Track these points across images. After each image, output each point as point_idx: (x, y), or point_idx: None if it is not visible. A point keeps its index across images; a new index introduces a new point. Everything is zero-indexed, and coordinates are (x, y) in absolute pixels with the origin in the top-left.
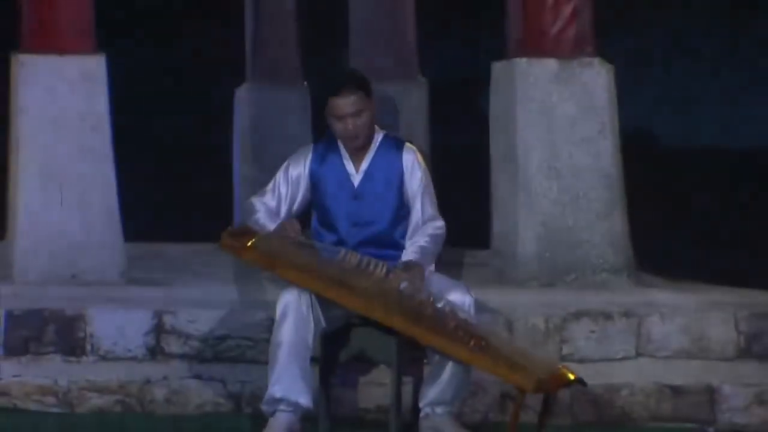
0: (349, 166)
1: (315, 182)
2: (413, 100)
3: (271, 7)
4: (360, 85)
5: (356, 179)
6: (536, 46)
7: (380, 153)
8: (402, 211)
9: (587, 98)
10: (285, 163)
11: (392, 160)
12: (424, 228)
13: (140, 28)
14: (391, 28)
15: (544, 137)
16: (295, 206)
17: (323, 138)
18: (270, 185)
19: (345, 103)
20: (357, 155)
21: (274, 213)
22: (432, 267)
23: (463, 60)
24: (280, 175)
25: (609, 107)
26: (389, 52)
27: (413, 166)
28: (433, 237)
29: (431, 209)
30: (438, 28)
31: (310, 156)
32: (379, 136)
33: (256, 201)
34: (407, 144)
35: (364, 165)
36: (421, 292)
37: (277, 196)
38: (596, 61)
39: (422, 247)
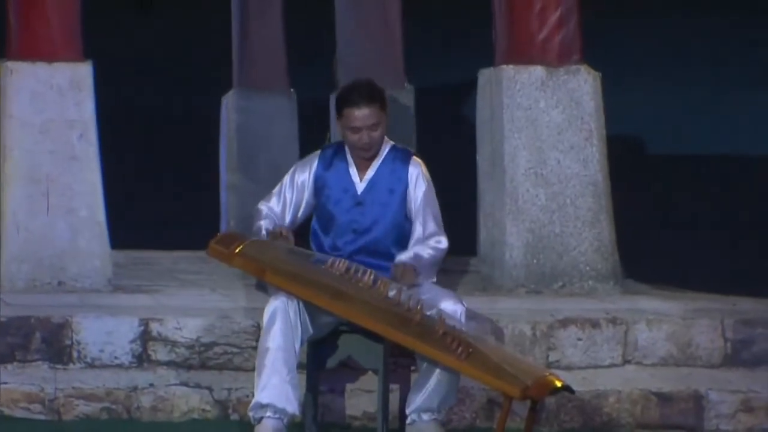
0: (354, 174)
1: (319, 187)
2: (400, 107)
3: (257, 14)
4: (378, 97)
5: (360, 187)
6: (523, 53)
7: (386, 163)
8: (403, 223)
9: (574, 105)
10: (292, 168)
11: (398, 171)
12: (425, 242)
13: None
14: (377, 36)
15: (530, 144)
16: (300, 212)
17: (331, 144)
18: (276, 189)
19: (363, 116)
20: (363, 163)
21: (279, 218)
22: (434, 279)
23: (450, 67)
24: (286, 180)
25: (596, 114)
26: (376, 59)
27: (418, 179)
28: (433, 249)
29: (433, 225)
30: (425, 35)
31: (316, 162)
32: (386, 147)
33: (263, 206)
34: (414, 157)
35: (370, 174)
36: (409, 297)
37: (282, 201)
38: (583, 68)
39: (416, 254)
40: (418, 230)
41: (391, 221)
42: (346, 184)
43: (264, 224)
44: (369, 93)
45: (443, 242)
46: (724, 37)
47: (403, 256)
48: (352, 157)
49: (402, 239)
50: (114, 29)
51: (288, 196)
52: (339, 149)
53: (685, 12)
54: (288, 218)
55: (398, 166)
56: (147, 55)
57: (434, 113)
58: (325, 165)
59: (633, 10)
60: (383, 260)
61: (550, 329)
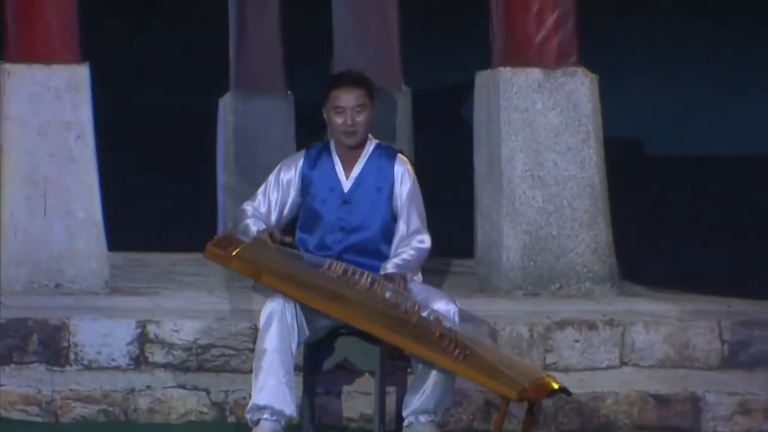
0: (341, 172)
1: (306, 185)
2: (397, 109)
3: (254, 16)
4: (364, 83)
5: (346, 185)
6: (520, 55)
7: (372, 161)
8: (390, 221)
9: (571, 107)
10: (277, 167)
11: (383, 168)
12: (408, 241)
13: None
14: (375, 37)
15: (528, 146)
16: (286, 211)
17: (317, 143)
18: (261, 189)
19: (348, 96)
20: (349, 161)
21: (264, 218)
22: (419, 278)
23: (449, 68)
24: (271, 180)
25: (593, 116)
26: (373, 61)
27: (403, 177)
28: (417, 251)
29: (417, 222)
30: (424, 35)
31: (302, 160)
32: (371, 145)
33: (248, 207)
34: (399, 155)
35: (355, 171)
36: (405, 299)
37: (267, 201)
38: (580, 70)
39: (404, 260)
40: (402, 227)
41: (379, 219)
42: (333, 182)
43: (251, 223)
44: (356, 77)
45: (426, 241)
46: (724, 37)
47: (389, 266)
48: (338, 152)
49: (391, 237)
50: (113, 30)
51: (273, 196)
52: (324, 148)
53: (685, 12)
54: (273, 218)
55: (384, 164)
56: (147, 56)
57: (432, 114)
58: (311, 164)
59: (632, 10)
60: (372, 259)
61: (547, 331)
